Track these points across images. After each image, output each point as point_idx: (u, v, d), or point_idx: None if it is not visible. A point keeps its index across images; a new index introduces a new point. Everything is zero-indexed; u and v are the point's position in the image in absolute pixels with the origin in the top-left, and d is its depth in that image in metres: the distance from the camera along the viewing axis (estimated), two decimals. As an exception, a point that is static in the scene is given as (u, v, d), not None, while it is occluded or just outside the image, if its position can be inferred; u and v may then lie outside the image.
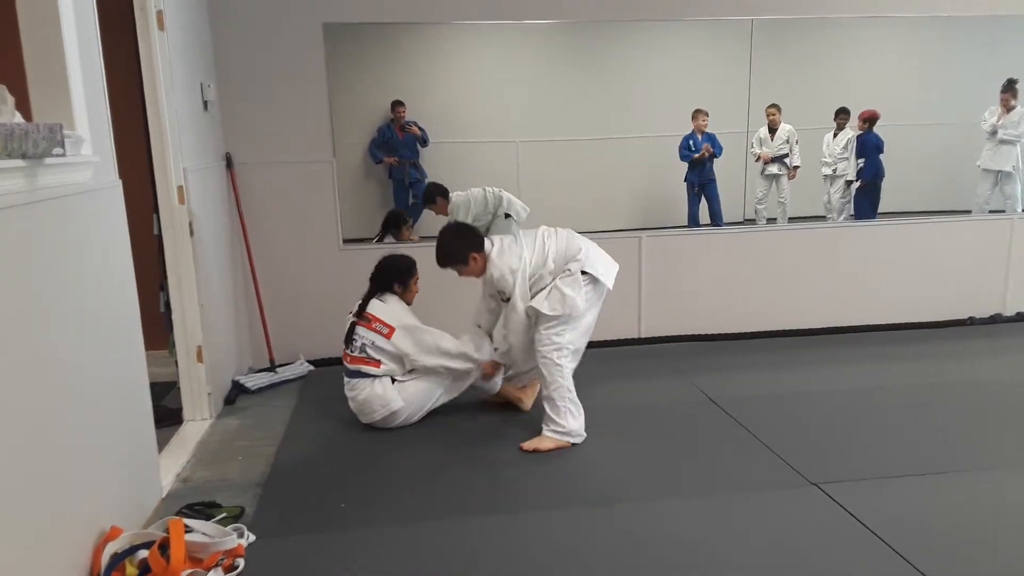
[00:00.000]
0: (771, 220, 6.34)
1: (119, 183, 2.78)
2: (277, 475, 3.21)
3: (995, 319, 5.32)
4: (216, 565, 2.38)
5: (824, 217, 6.41)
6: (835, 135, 6.32)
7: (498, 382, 3.82)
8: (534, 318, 3.48)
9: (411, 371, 3.64)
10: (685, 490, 2.99)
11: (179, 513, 2.74)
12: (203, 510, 2.79)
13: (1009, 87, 5.72)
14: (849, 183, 6.23)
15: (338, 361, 3.92)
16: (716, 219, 6.01)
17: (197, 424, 3.79)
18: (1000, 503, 2.83)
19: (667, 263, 4.96)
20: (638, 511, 2.83)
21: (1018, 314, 5.35)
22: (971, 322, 5.29)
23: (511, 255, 3.50)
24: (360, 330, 3.60)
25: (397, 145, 5.53)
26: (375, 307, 3.63)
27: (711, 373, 4.38)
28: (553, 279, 3.48)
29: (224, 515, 2.76)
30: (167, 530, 2.40)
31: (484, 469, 3.23)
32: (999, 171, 5.89)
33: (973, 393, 4.01)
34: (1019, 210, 5.69)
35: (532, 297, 3.48)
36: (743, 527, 2.70)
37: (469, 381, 3.74)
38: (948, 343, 4.94)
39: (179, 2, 3.74)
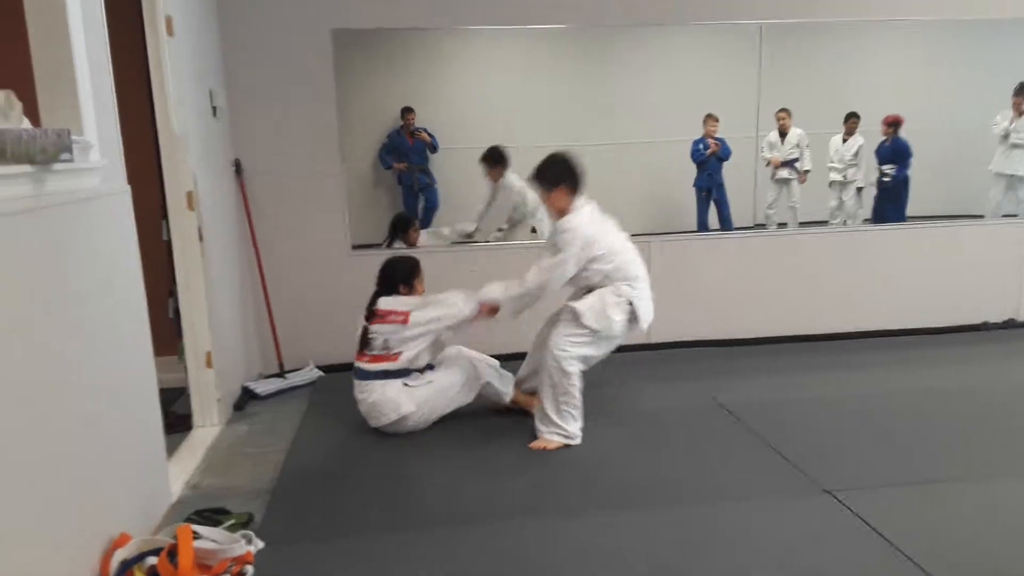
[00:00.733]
0: (782, 225, 6.29)
1: (128, 189, 2.78)
2: (286, 481, 3.20)
3: (1009, 324, 5.28)
4: (225, 572, 2.37)
5: (827, 223, 6.32)
6: (844, 140, 6.28)
7: (509, 391, 3.81)
8: (565, 314, 3.47)
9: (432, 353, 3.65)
10: (696, 495, 2.96)
11: (188, 519, 2.73)
12: (212, 516, 2.79)
13: (1021, 91, 5.67)
14: (860, 190, 6.18)
15: (348, 367, 3.91)
16: (725, 224, 5.97)
17: (206, 430, 3.79)
18: (1018, 511, 2.79)
19: (678, 268, 4.93)
20: (649, 516, 2.80)
21: (1032, 318, 5.31)
22: (985, 327, 5.25)
23: (595, 224, 3.48)
24: (376, 328, 3.60)
25: (407, 151, 5.55)
26: (383, 302, 3.65)
27: (722, 378, 4.35)
28: (599, 282, 3.47)
29: (233, 521, 2.76)
30: (176, 536, 2.39)
31: (494, 475, 3.22)
32: (1012, 175, 5.85)
33: (988, 398, 3.96)
34: (1032, 214, 5.65)
35: (574, 292, 3.42)
36: (754, 533, 2.67)
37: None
38: (962, 348, 4.90)
39: (188, 8, 3.75)
